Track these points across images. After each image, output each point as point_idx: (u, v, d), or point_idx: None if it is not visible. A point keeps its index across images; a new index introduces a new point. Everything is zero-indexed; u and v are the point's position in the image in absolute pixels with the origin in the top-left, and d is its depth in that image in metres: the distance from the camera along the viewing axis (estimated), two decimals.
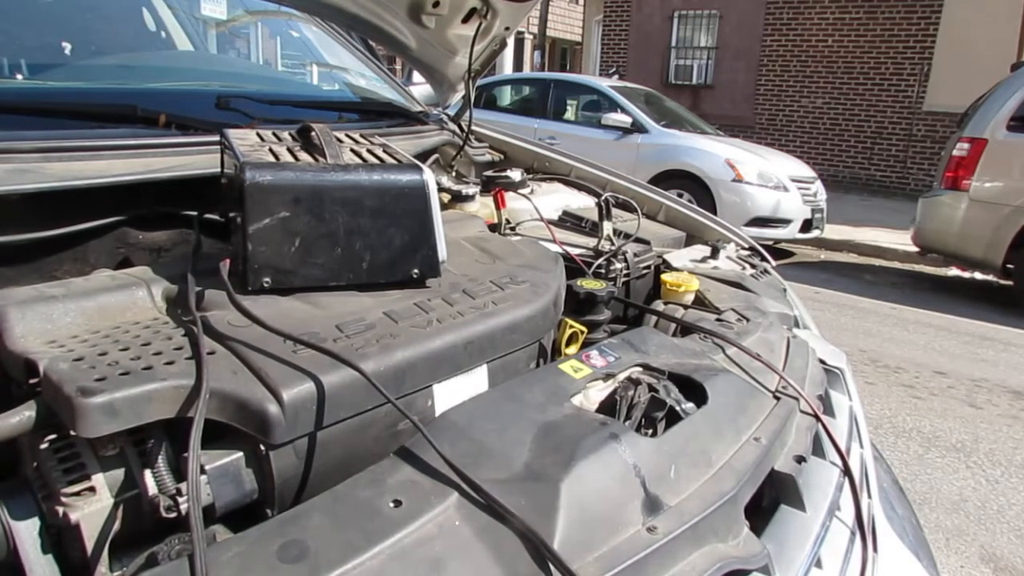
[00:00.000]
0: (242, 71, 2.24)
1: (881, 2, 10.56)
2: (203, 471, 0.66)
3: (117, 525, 0.64)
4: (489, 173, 1.76)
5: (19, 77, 1.45)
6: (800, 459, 0.86)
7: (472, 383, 0.88)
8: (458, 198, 1.56)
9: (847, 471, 0.94)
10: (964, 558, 2.28)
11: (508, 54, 12.68)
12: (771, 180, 6.39)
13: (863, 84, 10.93)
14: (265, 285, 0.87)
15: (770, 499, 0.86)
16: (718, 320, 1.16)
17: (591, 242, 1.48)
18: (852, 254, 7.33)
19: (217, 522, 0.69)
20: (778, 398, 0.95)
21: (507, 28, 1.77)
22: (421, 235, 0.95)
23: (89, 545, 0.62)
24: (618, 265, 1.36)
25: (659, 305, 1.27)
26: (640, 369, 0.91)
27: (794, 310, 1.41)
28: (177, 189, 1.15)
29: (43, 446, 0.66)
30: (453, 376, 0.85)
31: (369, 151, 1.03)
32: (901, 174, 10.82)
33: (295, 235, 0.87)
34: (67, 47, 1.60)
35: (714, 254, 1.52)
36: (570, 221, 1.65)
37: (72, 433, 0.62)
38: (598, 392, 0.87)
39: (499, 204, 1.48)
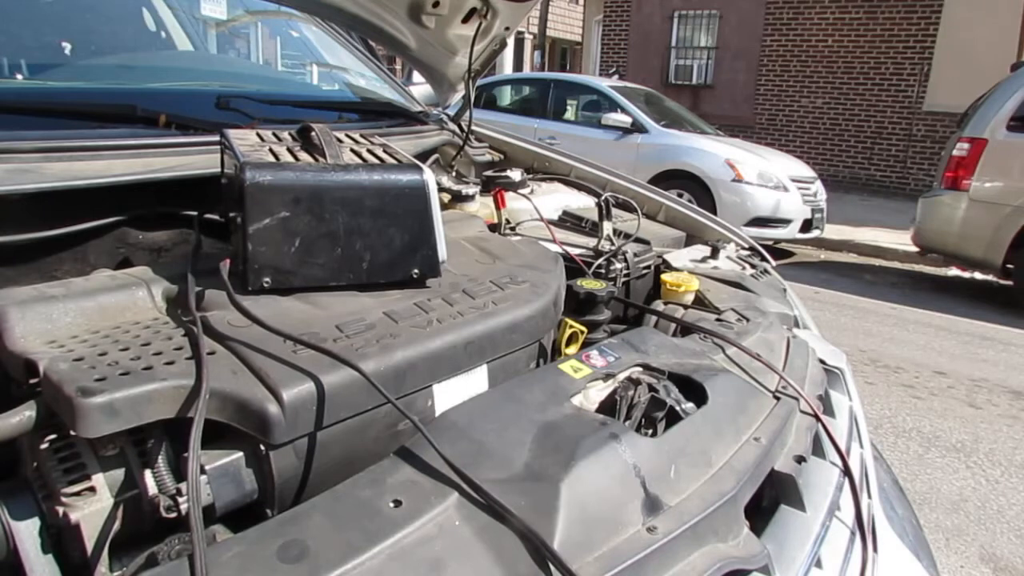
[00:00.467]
0: (242, 71, 2.24)
1: (881, 2, 10.56)
2: (203, 471, 0.66)
3: (117, 525, 0.64)
4: (489, 173, 1.76)
5: (19, 77, 1.45)
6: (800, 459, 0.86)
7: (472, 383, 0.88)
8: (458, 198, 1.56)
9: (847, 471, 0.94)
10: (964, 558, 2.28)
11: (508, 54, 12.68)
12: (771, 180, 6.39)
13: (863, 84, 10.93)
14: (265, 285, 0.87)
15: (770, 499, 0.86)
16: (718, 320, 1.16)
17: (591, 242, 1.48)
18: (852, 254, 7.33)
19: (217, 522, 0.69)
20: (778, 398, 0.95)
21: (507, 28, 1.77)
22: (421, 235, 0.95)
23: (89, 545, 0.62)
24: (618, 265, 1.36)
25: (659, 305, 1.27)
26: (640, 369, 0.91)
27: (794, 310, 1.41)
28: (177, 189, 1.15)
29: (43, 446, 0.66)
30: (453, 376, 0.85)
31: (369, 151, 1.03)
32: (901, 174, 10.82)
33: (295, 235, 0.87)
34: (67, 47, 1.60)
35: (714, 254, 1.52)
36: (570, 221, 1.65)
37: (72, 433, 0.62)
38: (598, 392, 0.87)
39: (499, 204, 1.48)
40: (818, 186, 6.88)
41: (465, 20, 1.70)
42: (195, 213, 1.10)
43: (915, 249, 6.12)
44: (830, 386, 1.16)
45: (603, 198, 1.54)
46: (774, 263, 1.69)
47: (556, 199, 1.74)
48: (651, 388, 0.86)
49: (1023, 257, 5.13)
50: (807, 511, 0.83)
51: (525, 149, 2.02)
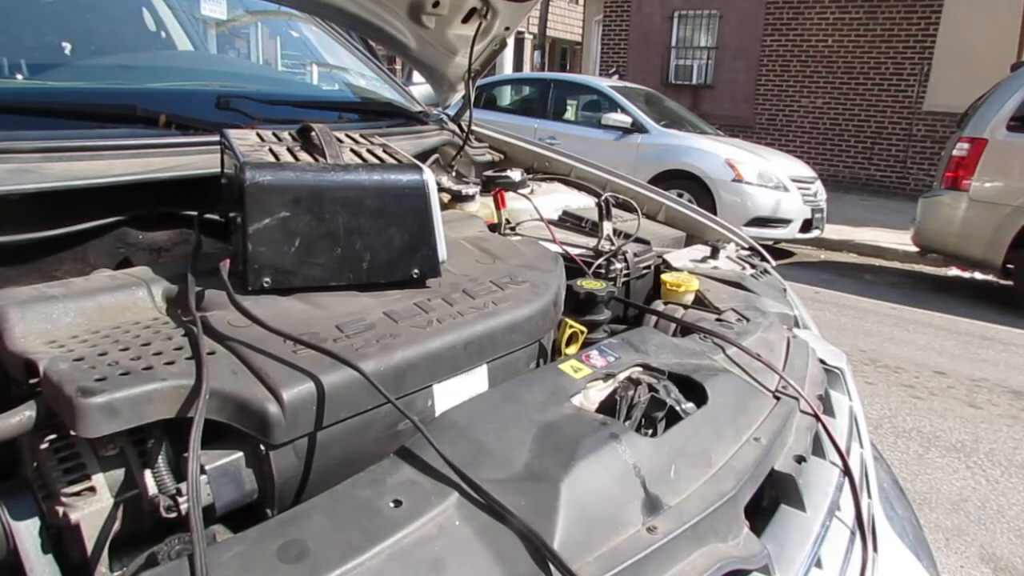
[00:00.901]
0: (242, 71, 2.24)
1: (881, 2, 10.55)
2: (203, 471, 0.66)
3: (117, 525, 0.64)
4: (489, 173, 1.76)
5: (19, 77, 1.45)
6: (800, 459, 0.86)
7: (472, 383, 0.88)
8: (458, 198, 1.56)
9: (847, 471, 0.94)
10: (964, 558, 2.28)
11: (508, 54, 12.68)
12: (771, 180, 6.39)
13: (863, 84, 10.93)
14: (265, 285, 0.87)
15: (770, 499, 0.86)
16: (718, 320, 1.16)
17: (591, 242, 1.48)
18: (852, 254, 7.33)
19: (217, 522, 0.69)
20: (778, 398, 0.95)
21: (507, 28, 1.77)
22: (421, 235, 0.95)
23: (89, 545, 0.62)
24: (618, 265, 1.36)
25: (659, 305, 1.27)
26: (640, 369, 0.91)
27: (794, 310, 1.41)
28: (177, 189, 1.15)
29: (43, 446, 0.66)
30: (453, 376, 0.85)
31: (369, 151, 1.03)
32: (901, 174, 10.82)
33: (295, 235, 0.87)
34: (67, 47, 1.60)
35: (714, 254, 1.52)
36: (570, 221, 1.65)
37: (72, 433, 0.62)
38: (598, 392, 0.87)
39: (499, 204, 1.48)
40: (818, 186, 6.88)
41: (465, 20, 1.70)
42: (195, 213, 1.10)
43: (915, 249, 6.12)
44: (830, 386, 1.16)
45: (603, 198, 1.54)
46: (774, 263, 1.69)
47: (556, 199, 1.74)
48: (651, 388, 0.86)
49: (1023, 257, 5.13)
50: (807, 511, 0.83)
51: (525, 149, 2.02)
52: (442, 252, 0.98)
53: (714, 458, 0.77)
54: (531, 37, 21.17)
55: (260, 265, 0.86)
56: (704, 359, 0.98)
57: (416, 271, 0.96)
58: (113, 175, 1.07)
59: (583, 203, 1.76)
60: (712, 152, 6.54)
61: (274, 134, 1.07)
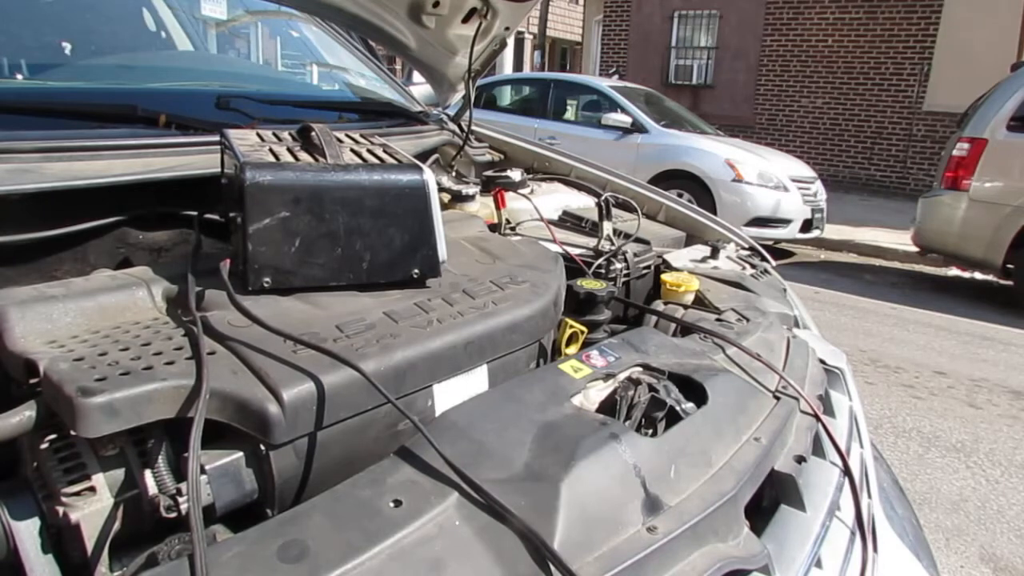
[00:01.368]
0: (242, 71, 2.24)
1: (881, 2, 10.55)
2: (203, 471, 0.66)
3: (117, 525, 0.64)
4: (489, 173, 1.76)
5: (19, 77, 1.45)
6: (800, 459, 0.86)
7: (472, 383, 0.88)
8: (458, 198, 1.56)
9: (847, 471, 0.94)
10: (964, 558, 2.28)
11: (508, 54, 12.68)
12: (771, 180, 6.39)
13: (863, 84, 10.93)
14: (265, 285, 0.87)
15: (770, 499, 0.86)
16: (718, 320, 1.16)
17: (591, 242, 1.48)
18: (852, 254, 7.33)
19: (217, 522, 0.69)
20: (778, 398, 0.95)
21: (507, 28, 1.77)
22: (421, 235, 0.95)
23: (89, 545, 0.62)
24: (618, 265, 1.36)
25: (659, 305, 1.27)
26: (640, 369, 0.91)
27: (794, 310, 1.41)
28: (177, 189, 1.15)
29: (43, 446, 0.66)
30: (453, 376, 0.85)
31: (369, 151, 1.03)
32: (901, 174, 10.82)
33: (295, 235, 0.87)
34: (67, 47, 1.60)
35: (714, 254, 1.52)
36: (570, 221, 1.65)
37: (72, 433, 0.62)
38: (598, 392, 0.87)
39: (499, 204, 1.48)
40: (818, 186, 6.88)
41: (465, 20, 1.70)
42: (195, 213, 1.10)
43: (915, 249, 6.12)
44: (830, 386, 1.16)
45: (603, 198, 1.54)
46: (774, 263, 1.69)
47: (556, 199, 1.74)
48: (651, 388, 0.86)
49: (1023, 257, 5.13)
50: (807, 511, 0.83)
51: (525, 149, 2.02)
52: (442, 252, 0.98)
53: (714, 458, 0.77)
54: (531, 37, 21.17)
55: (260, 265, 0.86)
56: (704, 359, 0.98)
57: (416, 271, 0.96)
58: (113, 175, 1.07)
59: (583, 203, 1.76)
60: (712, 152, 6.54)
61: (274, 134, 1.07)
